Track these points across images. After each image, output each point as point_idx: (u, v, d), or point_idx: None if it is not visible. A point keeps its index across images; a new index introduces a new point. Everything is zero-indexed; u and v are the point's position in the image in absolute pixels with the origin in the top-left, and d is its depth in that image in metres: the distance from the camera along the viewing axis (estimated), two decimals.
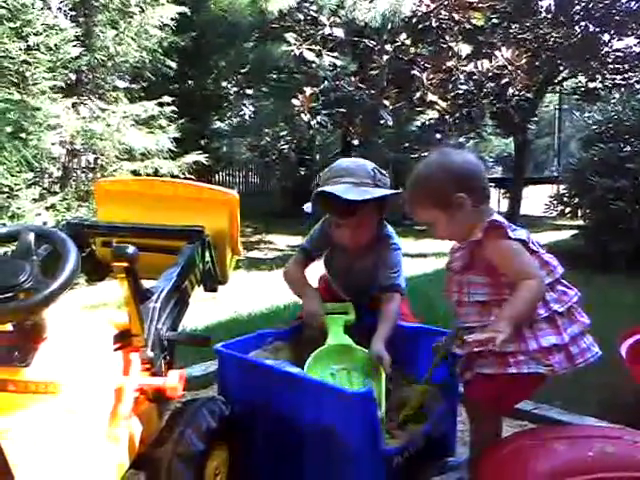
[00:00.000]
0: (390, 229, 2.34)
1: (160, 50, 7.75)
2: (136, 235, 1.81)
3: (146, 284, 1.62)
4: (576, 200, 8.28)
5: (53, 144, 6.05)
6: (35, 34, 5.97)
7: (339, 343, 2.05)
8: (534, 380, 1.71)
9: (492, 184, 22.53)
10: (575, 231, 8.71)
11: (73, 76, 6.71)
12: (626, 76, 14.89)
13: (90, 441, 1.31)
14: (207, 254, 1.89)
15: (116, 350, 1.46)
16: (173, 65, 8.09)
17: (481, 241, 1.70)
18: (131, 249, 1.40)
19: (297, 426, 1.69)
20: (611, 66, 14.87)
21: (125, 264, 1.41)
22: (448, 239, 1.85)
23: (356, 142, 9.46)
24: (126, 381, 1.43)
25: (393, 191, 2.17)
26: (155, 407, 1.60)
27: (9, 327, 1.23)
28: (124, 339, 1.48)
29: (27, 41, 5.88)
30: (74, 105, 6.63)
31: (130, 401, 1.43)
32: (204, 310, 4.22)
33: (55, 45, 6.20)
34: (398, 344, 2.13)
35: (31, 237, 1.30)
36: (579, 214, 8.55)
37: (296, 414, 1.70)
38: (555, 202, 9.04)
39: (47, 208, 6.02)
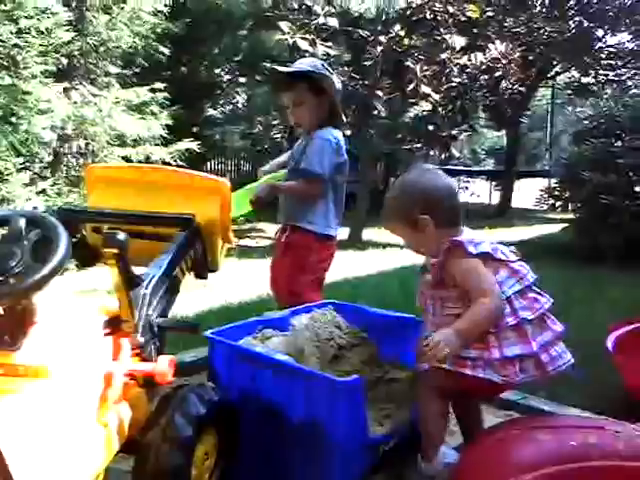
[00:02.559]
0: (332, 131, 2.64)
1: (153, 36, 7.71)
2: (126, 222, 1.81)
3: (137, 271, 1.62)
4: (567, 194, 8.35)
5: (44, 129, 5.99)
6: (26, 17, 5.91)
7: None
8: (489, 385, 1.72)
9: (484, 176, 22.70)
10: (566, 224, 8.77)
11: (65, 61, 6.65)
12: (619, 72, 14.96)
13: (79, 425, 1.32)
14: (198, 242, 1.90)
15: (106, 335, 1.47)
16: (166, 51, 8.04)
17: (444, 259, 1.77)
18: (122, 235, 1.41)
19: (285, 413, 1.71)
20: (604, 61, 14.93)
21: (115, 250, 1.41)
22: (422, 254, 1.93)
23: (349, 132, 9.45)
24: (116, 366, 1.44)
25: (312, 69, 2.59)
26: (145, 392, 1.61)
27: None
28: (114, 325, 1.49)
29: (18, 24, 5.81)
30: (65, 90, 6.58)
31: (120, 386, 1.43)
32: (195, 297, 4.23)
33: (47, 29, 6.14)
34: (394, 334, 2.16)
35: (22, 222, 1.30)
36: (570, 208, 8.62)
37: (284, 401, 1.71)
38: (546, 196, 9.11)
39: (38, 193, 5.99)
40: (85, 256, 1.95)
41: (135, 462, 1.53)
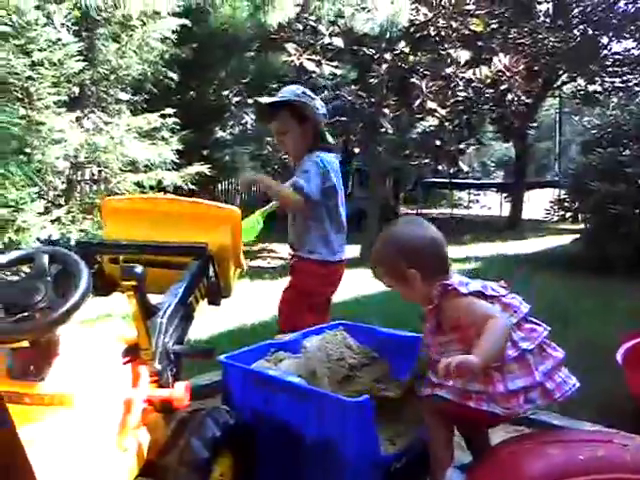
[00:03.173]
0: (321, 155, 2.65)
1: (161, 62, 7.87)
2: (142, 252, 1.88)
3: (152, 299, 1.69)
4: (576, 205, 8.35)
5: (57, 158, 6.13)
6: (39, 50, 6.07)
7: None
8: (492, 416, 1.75)
9: (494, 189, 22.68)
10: (576, 235, 8.77)
11: (76, 90, 6.80)
12: (625, 79, 14.96)
13: (101, 450, 1.38)
14: (211, 269, 1.96)
15: (125, 364, 1.54)
16: (175, 77, 8.20)
17: (439, 306, 1.81)
18: (139, 269, 1.48)
19: (298, 434, 1.76)
20: (610, 69, 14.95)
21: (133, 283, 1.48)
22: (413, 302, 1.96)
23: (357, 150, 9.55)
24: (135, 393, 1.50)
25: (292, 98, 2.65)
26: (162, 417, 1.67)
27: (25, 343, 1.30)
28: (133, 353, 1.56)
29: (31, 57, 5.97)
30: (78, 119, 6.73)
31: (139, 412, 1.50)
32: (209, 320, 4.29)
33: (59, 60, 6.30)
34: (404, 353, 2.20)
35: (45, 259, 1.38)
36: (579, 218, 8.62)
37: (297, 422, 1.76)
38: (556, 207, 9.11)
39: (52, 221, 6.10)
40: (102, 286, 2.02)
41: None
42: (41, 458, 1.14)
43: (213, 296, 2.01)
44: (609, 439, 1.81)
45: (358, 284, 6.17)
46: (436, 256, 1.88)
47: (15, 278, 1.38)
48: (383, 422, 1.97)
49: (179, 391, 1.54)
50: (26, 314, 1.27)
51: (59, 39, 6.43)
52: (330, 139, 2.81)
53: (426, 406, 1.87)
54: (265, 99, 2.85)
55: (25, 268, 1.46)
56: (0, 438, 0.92)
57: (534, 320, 1.82)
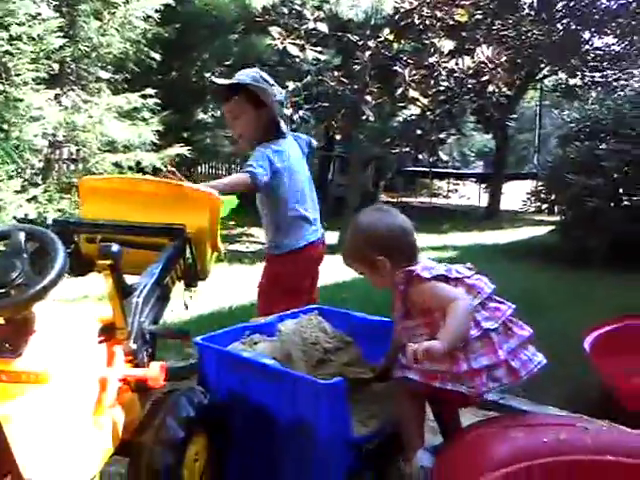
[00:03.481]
0: (271, 145, 2.56)
1: (144, 41, 7.76)
2: (119, 232, 1.88)
3: (129, 279, 1.70)
4: (553, 197, 8.47)
5: (35, 135, 6.04)
6: (18, 24, 5.96)
7: None
8: (459, 396, 1.80)
9: (473, 179, 22.85)
10: (552, 227, 8.90)
11: (56, 67, 6.69)
12: (605, 74, 15.14)
13: (77, 427, 1.40)
14: (188, 251, 1.97)
15: (100, 342, 1.55)
16: (157, 57, 8.09)
17: (405, 291, 1.86)
18: (115, 247, 1.49)
19: (272, 415, 1.79)
20: (591, 64, 15.11)
21: (110, 262, 1.49)
22: (381, 288, 2.01)
23: (338, 137, 9.54)
24: (110, 372, 1.52)
25: (249, 82, 2.55)
26: (137, 397, 1.69)
27: (0, 320, 1.31)
28: (108, 332, 1.57)
29: (9, 31, 5.86)
30: (57, 96, 6.63)
31: (114, 391, 1.51)
32: (186, 303, 4.29)
33: (38, 35, 6.19)
34: (378, 338, 2.24)
35: (22, 236, 1.39)
36: (556, 210, 8.74)
37: (271, 403, 1.79)
38: (532, 198, 9.22)
39: (29, 200, 6.02)
40: (79, 265, 2.02)
41: (129, 463, 1.61)
42: (17, 435, 1.15)
43: (189, 278, 2.03)
44: (571, 423, 1.87)
45: (337, 270, 6.21)
46: (405, 244, 1.93)
47: None
48: (356, 404, 2.02)
49: (154, 370, 1.56)
50: (2, 291, 1.28)
51: (39, 14, 6.32)
52: (285, 129, 2.68)
53: (397, 388, 1.91)
54: (221, 80, 2.74)
55: (0, 246, 1.45)
56: None
57: (498, 299, 1.86)
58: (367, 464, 1.91)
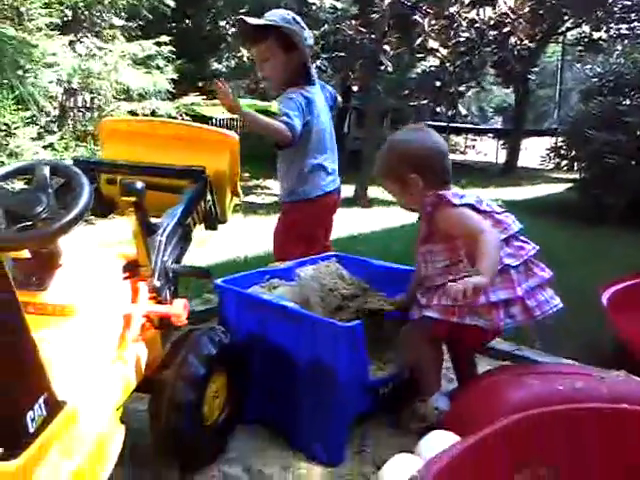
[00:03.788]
0: (301, 90, 2.52)
1: None
2: (139, 174, 1.87)
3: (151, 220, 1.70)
4: (573, 153, 8.33)
5: (50, 82, 5.99)
6: None
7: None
8: (477, 331, 1.81)
9: (491, 135, 22.49)
10: (570, 184, 8.79)
11: (69, 13, 6.59)
12: (632, 26, 14.64)
13: (101, 360, 1.43)
14: (208, 193, 1.97)
15: (125, 279, 1.56)
16: (171, 3, 7.93)
17: (431, 213, 1.85)
18: (139, 184, 1.49)
19: (291, 356, 1.81)
20: (617, 15, 14.61)
21: (134, 199, 1.49)
22: (410, 209, 2.01)
23: (355, 88, 9.40)
24: (134, 308, 1.54)
25: (282, 24, 2.47)
26: (159, 334, 1.72)
27: (27, 254, 1.32)
28: (132, 269, 1.58)
29: None
30: (71, 43, 6.55)
31: (138, 326, 1.54)
32: (203, 252, 4.33)
33: None
34: (396, 285, 2.25)
35: (46, 171, 1.39)
36: (575, 167, 8.61)
37: (289, 344, 1.82)
38: (552, 155, 9.08)
39: (45, 147, 6.02)
40: (100, 206, 2.02)
41: (151, 399, 1.64)
42: (48, 359, 1.17)
43: (210, 221, 2.03)
44: (587, 372, 1.89)
45: (352, 222, 6.22)
46: (439, 165, 1.91)
47: (17, 189, 1.38)
48: (372, 349, 2.04)
49: (177, 307, 1.58)
50: (28, 223, 1.28)
51: None
52: (314, 75, 2.65)
53: (416, 331, 1.93)
54: (251, 19, 2.55)
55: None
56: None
57: (523, 239, 1.86)
58: (383, 407, 1.95)
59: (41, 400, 1.03)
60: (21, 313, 0.99)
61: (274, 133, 2.42)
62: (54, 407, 1.07)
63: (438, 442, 1.51)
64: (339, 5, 8.68)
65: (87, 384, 1.30)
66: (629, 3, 14.46)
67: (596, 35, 15.02)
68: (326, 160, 2.71)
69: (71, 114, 6.95)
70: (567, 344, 2.83)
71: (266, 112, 2.45)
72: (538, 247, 1.87)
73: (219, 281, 2.03)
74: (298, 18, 2.57)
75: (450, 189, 1.90)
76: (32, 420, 1.02)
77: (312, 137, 2.61)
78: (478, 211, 1.82)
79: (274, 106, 2.47)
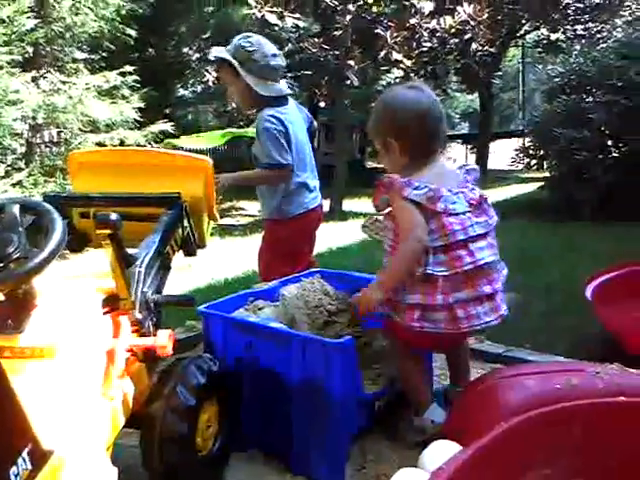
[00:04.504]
0: (267, 113, 2.58)
1: (118, 18, 7.59)
2: (113, 204, 1.83)
3: (128, 251, 1.66)
4: (541, 152, 8.45)
5: (15, 120, 5.92)
6: None
7: None
8: (427, 335, 1.78)
9: (459, 140, 22.80)
10: (541, 183, 8.90)
11: (30, 49, 6.54)
12: (587, 26, 15.02)
13: (87, 401, 1.37)
14: (185, 219, 1.93)
15: (105, 314, 1.52)
16: (133, 33, 7.93)
17: (387, 193, 1.81)
18: (114, 216, 1.44)
19: (282, 377, 1.77)
20: (572, 17, 14.98)
21: (109, 231, 1.45)
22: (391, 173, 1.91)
23: (322, 104, 9.45)
24: (117, 342, 1.49)
25: (219, 55, 2.63)
26: (145, 367, 1.67)
27: (0, 297, 1.27)
28: (112, 303, 1.54)
29: None
30: (34, 79, 6.49)
31: (122, 361, 1.48)
32: (181, 278, 4.26)
33: (8, 17, 6.03)
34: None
35: (16, 209, 1.34)
36: (545, 166, 8.73)
37: (279, 366, 1.78)
38: (521, 155, 9.21)
39: (13, 185, 5.94)
40: (74, 241, 1.97)
41: (141, 434, 1.59)
42: (30, 408, 1.12)
43: (188, 247, 1.99)
44: (581, 368, 1.87)
45: (330, 237, 6.20)
46: (419, 131, 1.81)
47: None
48: (363, 363, 2.01)
49: (162, 339, 1.53)
50: (0, 265, 1.23)
51: None
52: (280, 92, 2.66)
53: (394, 343, 1.93)
54: (212, 51, 2.79)
55: None
56: None
57: (471, 249, 1.73)
58: (379, 421, 1.92)
59: (25, 453, 0.97)
60: None
61: (275, 180, 2.63)
62: (40, 458, 1.02)
63: (441, 453, 1.48)
64: (301, 24, 8.73)
65: (73, 428, 1.25)
66: (581, 5, 14.84)
67: (554, 37, 15.35)
68: (307, 178, 2.73)
69: (38, 150, 6.87)
70: (556, 341, 2.84)
71: (241, 137, 2.55)
72: (487, 260, 1.76)
73: (202, 307, 1.98)
74: (251, 41, 2.59)
75: (429, 163, 1.82)
76: (16, 476, 0.96)
77: (293, 155, 2.62)
78: (425, 208, 1.73)
79: (249, 131, 2.57)
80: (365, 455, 1.85)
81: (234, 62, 2.58)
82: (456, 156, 22.50)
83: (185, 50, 11.21)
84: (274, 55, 2.62)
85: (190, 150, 2.55)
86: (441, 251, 1.73)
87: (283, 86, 2.69)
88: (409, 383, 1.93)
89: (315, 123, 2.98)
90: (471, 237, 1.74)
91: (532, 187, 9.97)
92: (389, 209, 1.83)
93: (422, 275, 1.72)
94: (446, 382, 2.28)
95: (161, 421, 1.53)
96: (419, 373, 1.95)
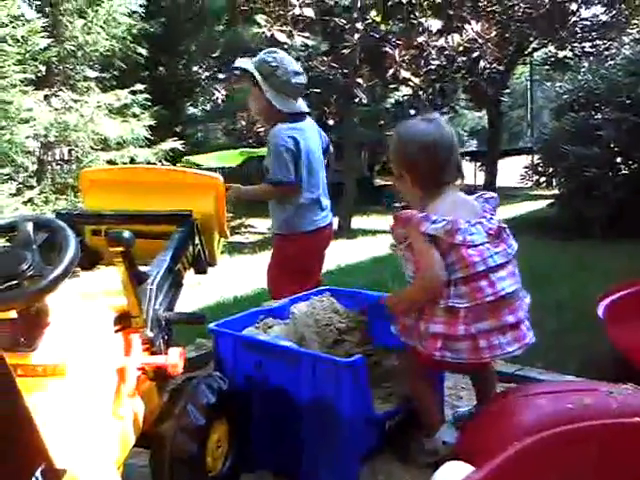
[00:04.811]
0: (281, 129, 2.60)
1: (130, 37, 7.69)
2: (125, 222, 1.84)
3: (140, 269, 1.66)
4: (550, 169, 8.43)
5: (27, 137, 5.99)
6: (1, 26, 5.88)
7: None
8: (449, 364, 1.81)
9: (467, 158, 22.78)
10: (550, 200, 8.86)
11: (43, 68, 6.63)
12: (594, 44, 15.05)
13: (97, 420, 1.37)
14: (196, 237, 1.94)
15: (117, 332, 1.52)
16: (143, 52, 8.03)
17: (404, 227, 1.83)
18: (127, 234, 1.45)
19: (292, 396, 1.76)
20: (579, 35, 15.02)
21: (121, 249, 1.46)
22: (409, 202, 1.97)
23: (331, 122, 9.51)
24: (128, 361, 1.49)
25: (243, 66, 2.68)
26: (155, 386, 1.66)
27: (13, 314, 1.27)
28: (124, 321, 1.54)
29: None
30: (46, 97, 6.57)
31: (133, 380, 1.48)
32: (190, 296, 4.25)
33: (22, 37, 6.12)
34: (383, 316, 2.22)
35: (29, 227, 1.35)
36: (554, 183, 8.71)
37: (290, 385, 1.77)
38: (530, 172, 9.20)
39: (25, 202, 5.99)
40: (86, 259, 1.98)
41: (151, 454, 1.58)
42: (42, 427, 1.12)
43: (199, 264, 1.99)
44: (594, 388, 1.85)
45: (339, 254, 6.20)
46: (431, 164, 1.83)
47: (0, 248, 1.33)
48: (374, 382, 2.00)
49: (173, 357, 1.53)
50: (14, 282, 1.24)
51: (22, 14, 6.25)
52: (299, 109, 2.71)
53: (407, 363, 1.94)
54: (238, 62, 2.84)
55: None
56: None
57: (492, 280, 1.73)
58: (390, 440, 1.90)
59: (38, 472, 0.97)
60: (12, 380, 0.93)
61: (278, 196, 2.68)
62: (53, 477, 1.01)
63: (453, 474, 1.46)
64: (310, 42, 8.81)
65: (84, 447, 1.25)
66: (589, 23, 14.90)
67: (562, 54, 15.39)
68: (320, 196, 2.75)
69: (49, 168, 6.93)
70: (567, 359, 2.81)
71: (256, 157, 2.78)
72: (508, 290, 1.76)
73: (213, 325, 1.98)
74: (275, 57, 2.63)
75: (442, 195, 1.83)
76: None
77: (305, 172, 2.65)
78: (443, 242, 1.73)
79: (264, 151, 2.70)
80: (376, 475, 1.83)
81: (257, 75, 2.62)
82: (465, 174, 22.49)
83: (195, 68, 11.33)
84: (296, 73, 2.65)
85: (208, 169, 2.56)
86: (462, 283, 1.73)
87: (302, 104, 2.73)
88: (421, 404, 1.92)
89: (331, 147, 2.99)
90: (491, 267, 1.74)
91: (541, 204, 9.93)
92: (408, 241, 1.84)
93: (443, 307, 1.73)
94: (457, 402, 2.27)
95: (171, 441, 1.52)
96: (431, 395, 1.94)
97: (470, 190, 2.16)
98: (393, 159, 1.91)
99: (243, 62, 2.74)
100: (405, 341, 1.84)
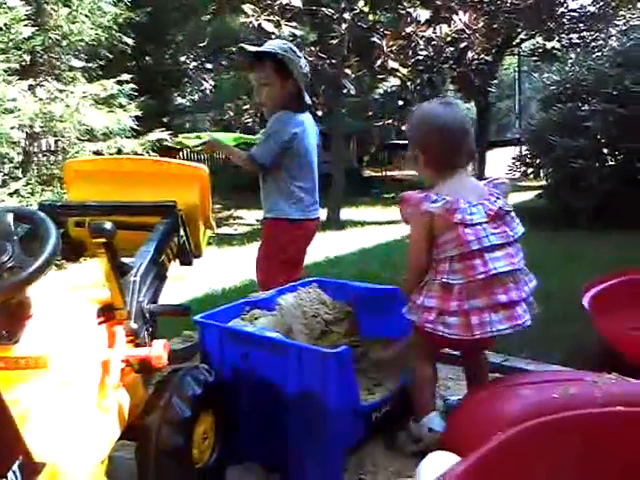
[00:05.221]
0: (287, 114, 2.65)
1: (115, 27, 7.58)
2: (108, 213, 1.82)
3: (123, 260, 1.65)
4: (538, 160, 8.45)
5: (12, 128, 5.90)
6: None
7: None
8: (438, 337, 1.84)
9: None
10: (538, 191, 8.90)
11: (27, 57, 6.52)
12: (582, 35, 15.08)
13: (81, 412, 1.36)
14: (181, 228, 1.92)
15: (100, 324, 1.50)
16: (130, 42, 7.92)
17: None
18: (109, 225, 1.44)
19: (278, 388, 1.76)
20: (567, 26, 15.05)
21: (104, 240, 1.44)
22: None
23: (320, 113, 9.47)
24: (112, 353, 1.47)
25: (278, 51, 2.59)
26: (140, 378, 1.65)
27: None
28: (107, 313, 1.52)
29: None
30: (31, 87, 6.46)
31: (117, 372, 1.47)
32: (178, 287, 4.24)
33: (5, 25, 6.02)
34: (379, 306, 2.23)
35: (9, 218, 1.33)
36: (541, 174, 8.74)
37: (277, 376, 1.76)
38: (518, 163, 9.21)
39: (10, 194, 5.92)
40: (69, 250, 1.96)
41: (137, 446, 1.57)
42: (23, 420, 1.11)
43: (184, 256, 1.98)
44: (579, 377, 1.86)
45: (328, 245, 6.19)
46: (442, 145, 1.89)
47: None
48: (360, 373, 2.00)
49: (158, 349, 1.51)
50: None
51: (4, 2, 6.14)
52: (308, 101, 2.75)
53: (415, 345, 1.96)
54: (251, 47, 2.71)
55: None
56: None
57: (486, 258, 1.78)
58: (377, 431, 1.90)
59: (15, 466, 0.95)
60: None
61: (244, 165, 2.71)
62: (31, 471, 1.00)
63: (438, 464, 1.47)
64: (298, 32, 8.74)
65: (67, 440, 1.24)
66: (576, 14, 14.93)
67: (549, 45, 15.42)
68: (312, 188, 2.77)
69: (35, 159, 6.84)
70: (554, 349, 2.82)
71: (251, 144, 2.79)
72: (501, 269, 1.80)
73: (199, 317, 1.97)
74: (295, 48, 2.67)
75: (461, 173, 1.90)
76: None
77: (301, 160, 2.69)
78: (444, 220, 1.80)
79: (258, 138, 2.73)
80: (363, 465, 1.84)
81: (293, 60, 2.61)
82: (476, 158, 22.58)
83: (182, 58, 11.25)
84: (305, 65, 2.71)
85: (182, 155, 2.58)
86: (456, 260, 1.80)
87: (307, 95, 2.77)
88: (417, 384, 1.94)
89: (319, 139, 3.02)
90: (486, 247, 1.79)
91: (529, 195, 9.96)
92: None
93: (438, 282, 1.81)
94: (445, 392, 2.27)
95: (157, 433, 1.51)
96: (430, 378, 1.96)
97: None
98: (409, 139, 2.00)
99: (272, 47, 2.66)
100: (410, 318, 1.89)
